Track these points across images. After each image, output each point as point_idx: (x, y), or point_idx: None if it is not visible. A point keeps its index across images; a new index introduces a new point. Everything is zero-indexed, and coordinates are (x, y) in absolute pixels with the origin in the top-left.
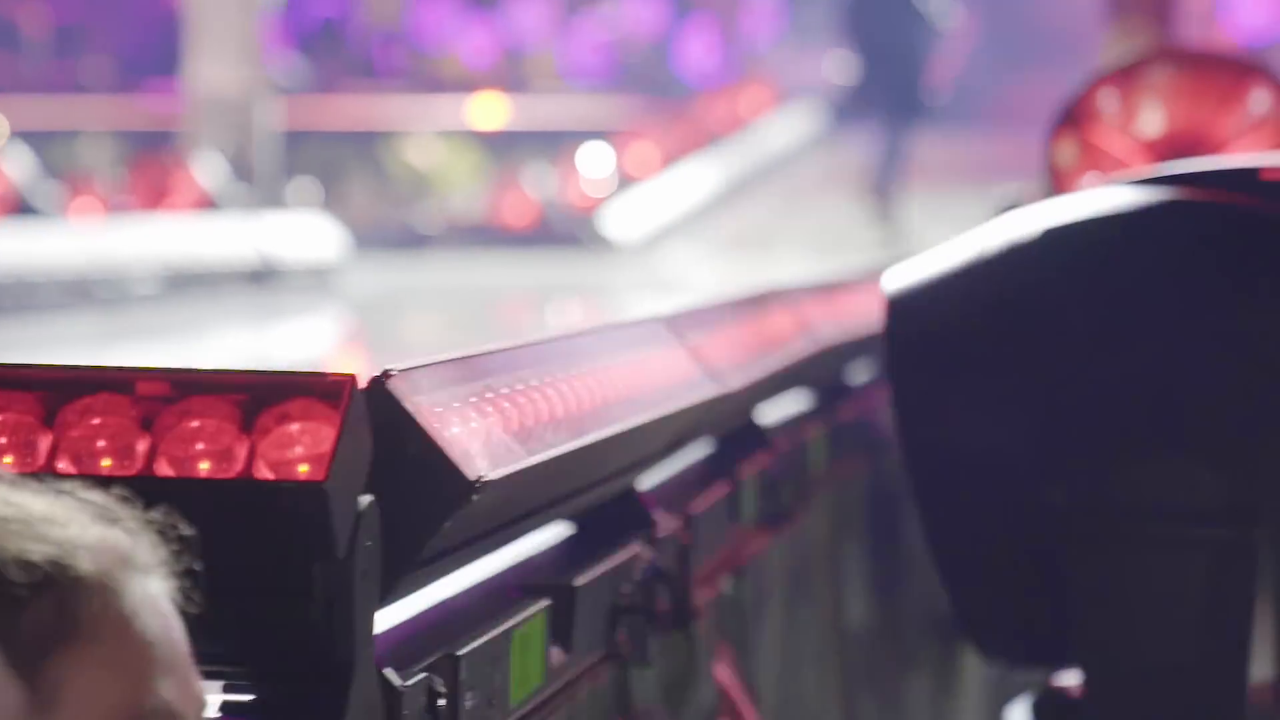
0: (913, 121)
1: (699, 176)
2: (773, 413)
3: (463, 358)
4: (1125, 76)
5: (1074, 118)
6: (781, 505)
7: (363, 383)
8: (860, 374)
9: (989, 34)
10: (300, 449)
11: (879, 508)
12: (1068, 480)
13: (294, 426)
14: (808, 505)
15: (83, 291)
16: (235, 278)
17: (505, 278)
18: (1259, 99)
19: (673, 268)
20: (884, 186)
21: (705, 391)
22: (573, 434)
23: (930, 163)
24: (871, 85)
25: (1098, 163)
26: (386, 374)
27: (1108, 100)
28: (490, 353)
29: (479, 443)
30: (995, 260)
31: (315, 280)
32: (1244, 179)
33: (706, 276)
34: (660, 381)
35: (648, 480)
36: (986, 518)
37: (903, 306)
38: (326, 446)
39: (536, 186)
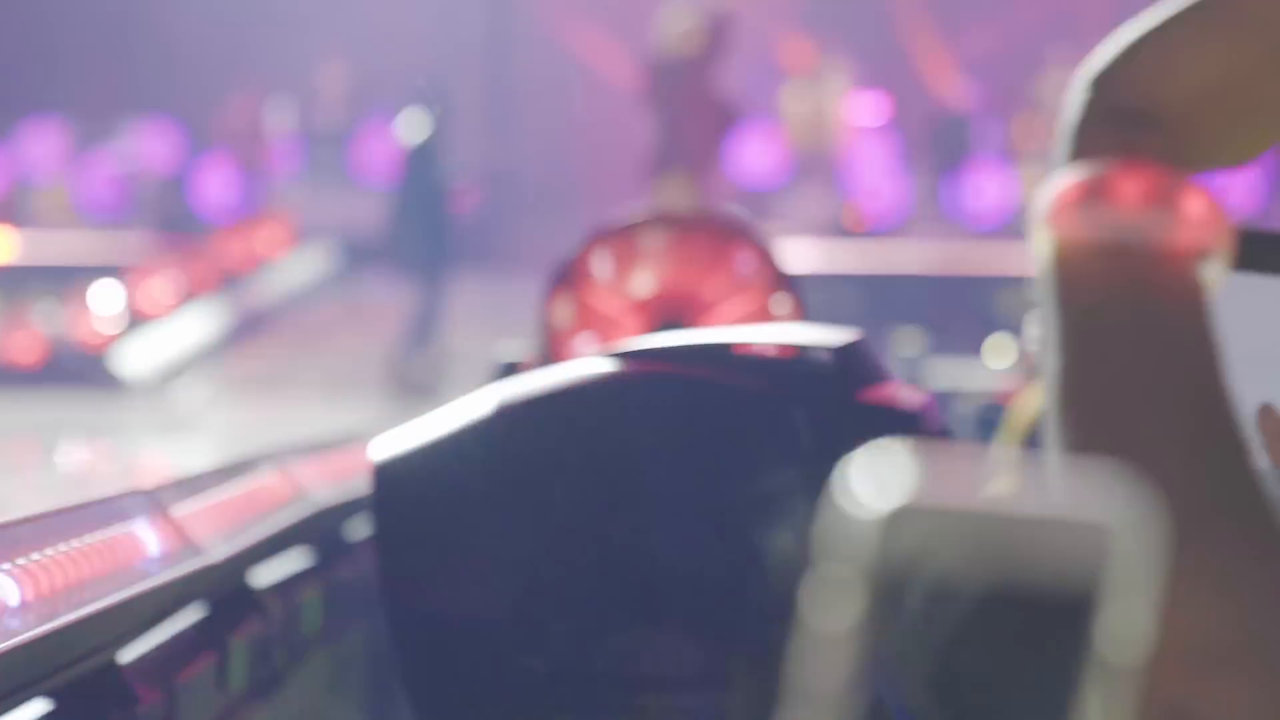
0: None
1: (212, 314)
2: (266, 575)
3: None
4: (619, 237)
5: (569, 277)
6: (274, 669)
7: None
8: (358, 532)
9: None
10: None
11: (379, 665)
12: (548, 648)
13: None
14: (302, 668)
15: None
16: None
17: (12, 416)
18: (744, 261)
19: (185, 407)
20: (417, 350)
21: (191, 562)
22: (46, 613)
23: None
24: (404, 233)
25: (592, 323)
26: None
27: (602, 260)
28: None
29: None
30: (483, 428)
31: None
32: (717, 353)
33: (217, 417)
34: (142, 554)
35: (130, 653)
36: (471, 686)
37: (390, 472)
38: None
39: (46, 322)
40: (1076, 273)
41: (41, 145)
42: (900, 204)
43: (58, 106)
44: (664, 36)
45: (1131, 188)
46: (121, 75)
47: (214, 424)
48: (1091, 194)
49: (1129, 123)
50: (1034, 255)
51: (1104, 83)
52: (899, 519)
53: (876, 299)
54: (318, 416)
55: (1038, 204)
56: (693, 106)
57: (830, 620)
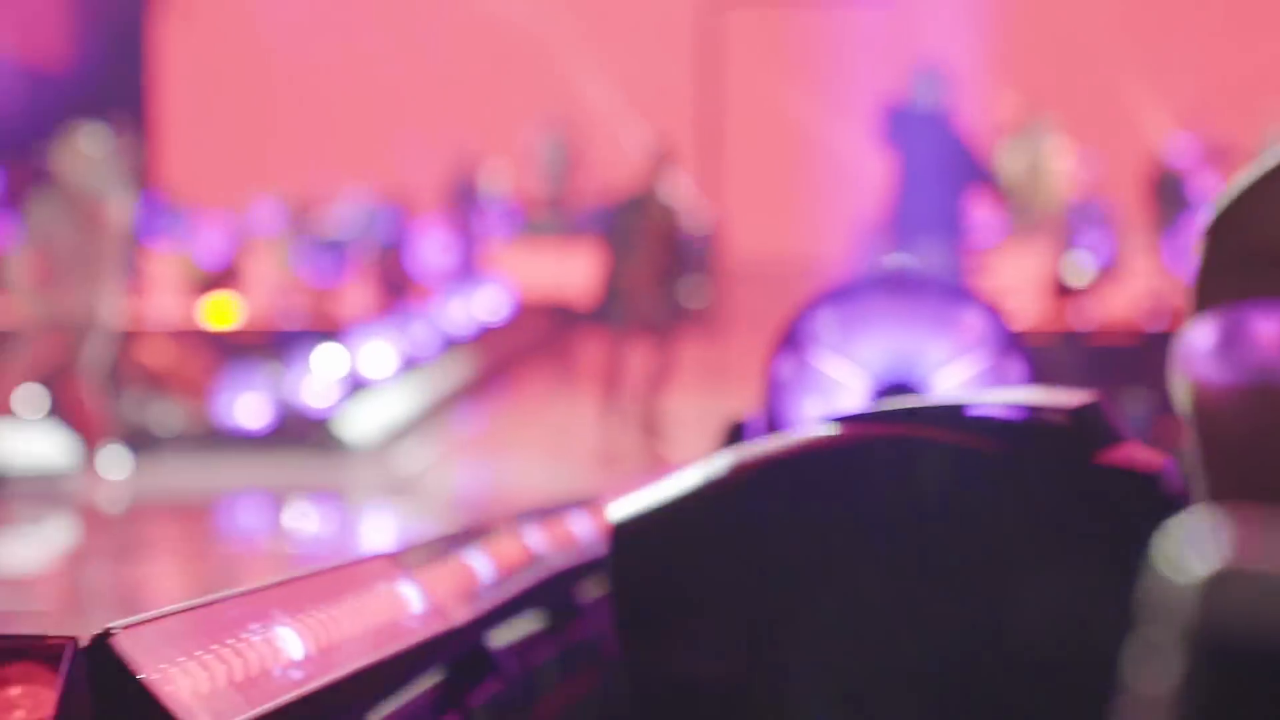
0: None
1: (432, 377)
2: (503, 638)
3: (188, 609)
4: (844, 298)
5: (794, 338)
6: None
7: (84, 641)
8: (589, 594)
9: None
10: (20, 714)
11: None
12: (785, 714)
13: (13, 691)
14: None
15: None
16: None
17: (239, 478)
18: (972, 321)
19: (406, 471)
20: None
21: (433, 625)
22: (298, 680)
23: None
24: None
25: (817, 385)
26: (109, 632)
27: (827, 321)
28: (216, 601)
29: (203, 699)
30: (718, 491)
31: (45, 487)
32: (950, 414)
33: (439, 480)
34: (388, 616)
35: (375, 717)
36: None
37: (628, 533)
38: (47, 712)
39: (271, 386)
40: (1220, 416)
41: (262, 217)
42: (1120, 260)
43: (276, 182)
44: (916, 88)
45: (1265, 330)
46: (330, 151)
47: (436, 487)
48: (1227, 340)
49: (1254, 267)
50: (1177, 400)
51: (1224, 230)
52: (1220, 582)
53: (1099, 357)
54: (536, 480)
55: (1176, 354)
56: (940, 160)
57: (1152, 683)
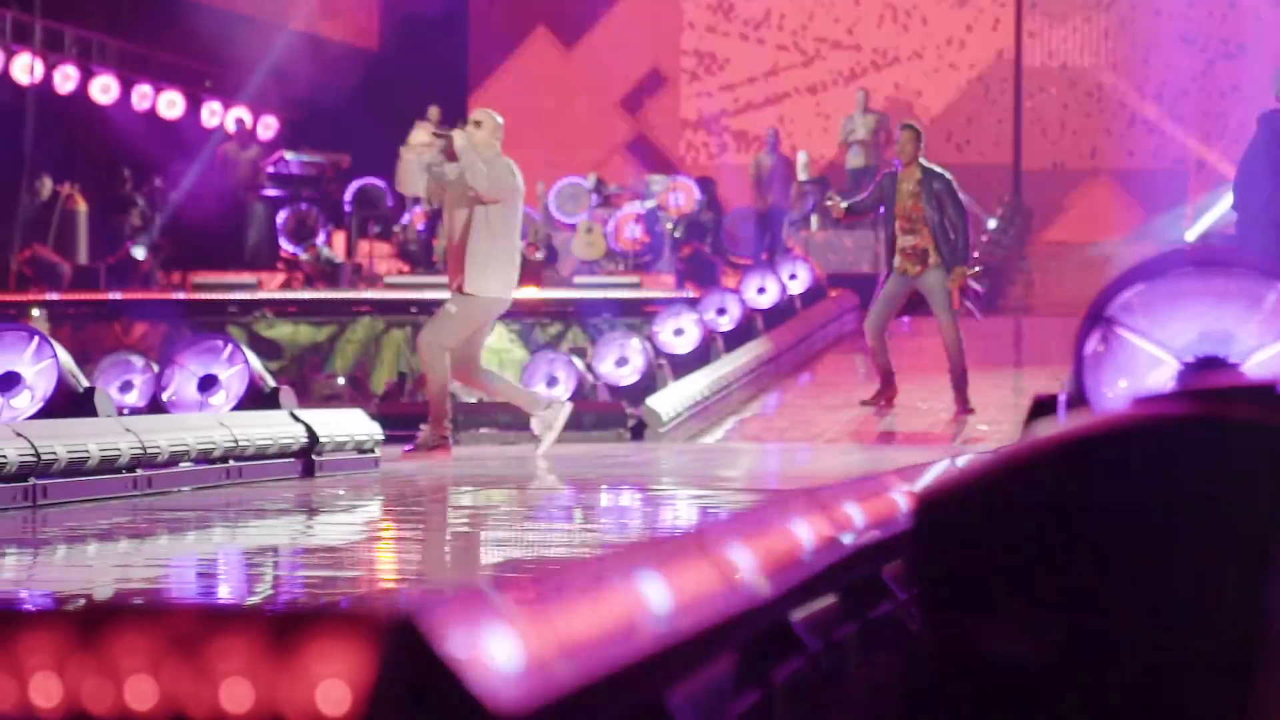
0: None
1: (738, 356)
2: (805, 612)
3: (491, 585)
4: (1153, 277)
5: (1103, 316)
6: (816, 707)
7: (393, 618)
8: (893, 570)
9: None
10: (331, 688)
11: (915, 705)
12: (1089, 696)
13: (324, 665)
14: (843, 707)
15: None
16: None
17: (543, 455)
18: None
19: (708, 445)
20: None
21: (736, 600)
22: (604, 656)
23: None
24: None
25: (1126, 363)
26: (414, 609)
27: (1136, 301)
28: (522, 577)
29: (509, 674)
30: (1025, 469)
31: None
32: (1263, 395)
33: (740, 457)
34: (692, 593)
35: (679, 693)
36: None
37: (934, 510)
38: (359, 687)
39: (573, 363)
40: None
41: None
42: None
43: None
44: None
45: None
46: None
47: (735, 464)
48: None
49: None
50: None
51: None
52: None
53: None
54: (835, 459)
55: None
56: None
57: None
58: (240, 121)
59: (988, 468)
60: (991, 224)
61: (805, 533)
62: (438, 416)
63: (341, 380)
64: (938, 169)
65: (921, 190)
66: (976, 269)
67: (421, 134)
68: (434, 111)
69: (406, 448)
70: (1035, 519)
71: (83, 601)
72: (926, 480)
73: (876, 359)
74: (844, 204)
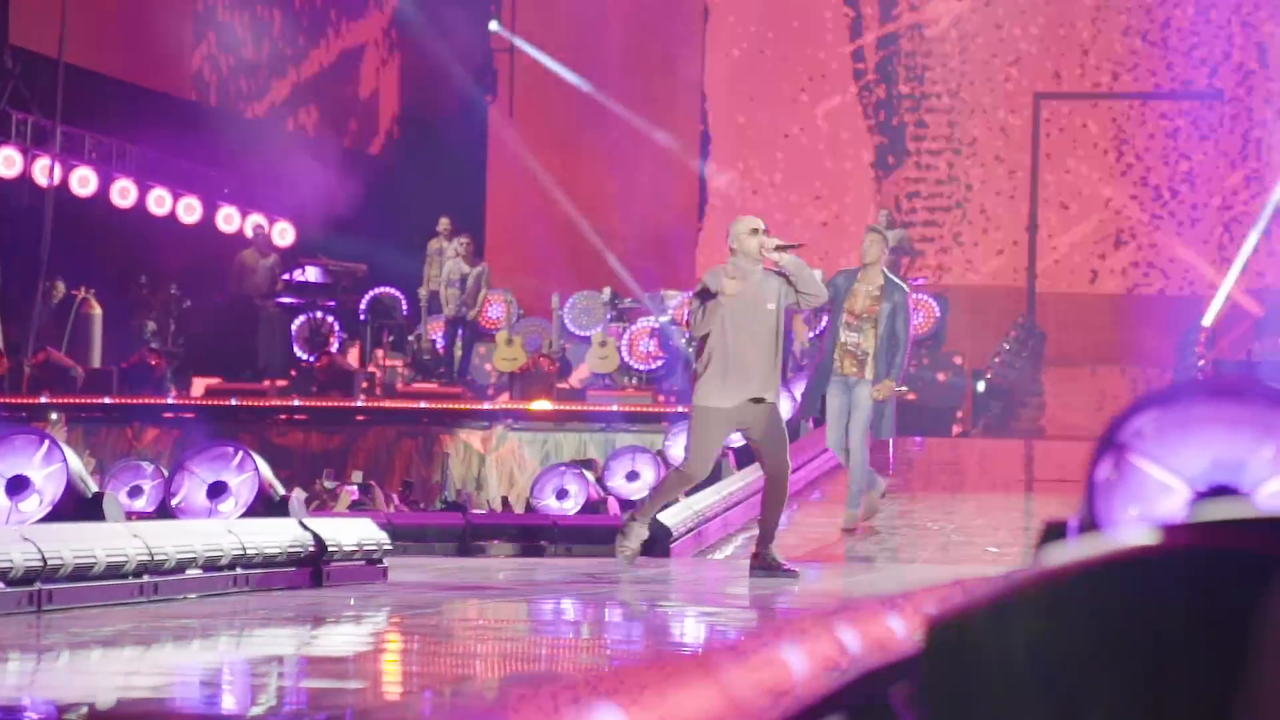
0: None
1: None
2: None
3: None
4: (1168, 402)
5: (1116, 441)
6: None
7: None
8: (899, 694)
9: None
10: None
11: None
12: None
13: None
14: None
15: None
16: None
17: (549, 569)
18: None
19: (700, 566)
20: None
21: None
22: None
23: None
24: None
25: (1138, 489)
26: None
27: (1149, 425)
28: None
29: None
30: (1036, 596)
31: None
32: (1276, 528)
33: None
34: (692, 718)
35: None
36: None
37: (944, 634)
38: None
39: (583, 475)
40: None
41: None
42: None
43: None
44: None
45: None
46: (663, 256)
47: (747, 584)
48: None
49: None
50: None
51: None
52: None
53: None
54: (837, 581)
55: None
56: None
57: None
58: (259, 228)
59: (999, 593)
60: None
61: (811, 654)
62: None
63: (353, 489)
64: (899, 280)
65: (882, 296)
66: (905, 389)
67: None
68: (444, 223)
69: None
70: (1045, 646)
71: (85, 710)
72: (936, 602)
73: (853, 474)
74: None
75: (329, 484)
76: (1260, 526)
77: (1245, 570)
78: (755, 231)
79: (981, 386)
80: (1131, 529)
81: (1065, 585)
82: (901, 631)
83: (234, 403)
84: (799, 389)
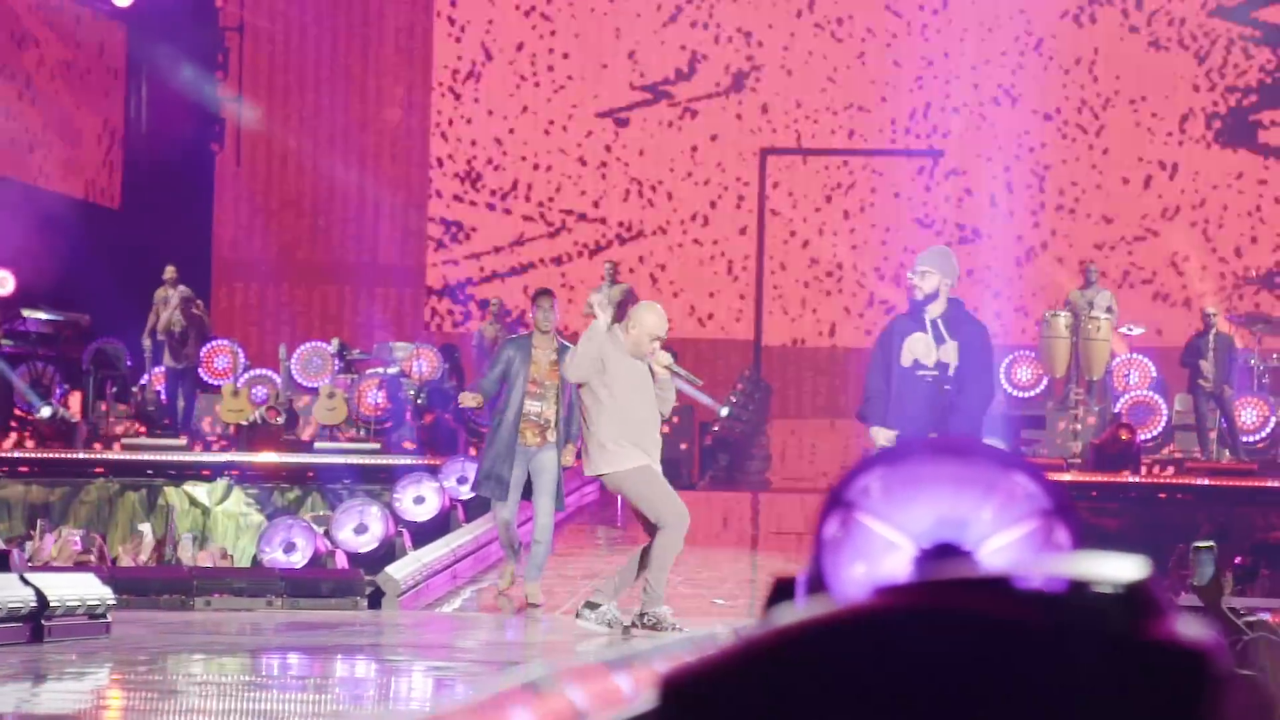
0: None
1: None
2: None
3: None
4: (893, 461)
5: (843, 499)
6: None
7: None
8: None
9: None
10: None
11: None
12: None
13: None
14: None
15: None
16: None
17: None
18: (1020, 489)
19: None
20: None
21: None
22: None
23: None
24: None
25: (865, 547)
26: None
27: (876, 484)
28: None
29: None
30: (765, 656)
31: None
32: (997, 586)
33: (472, 634)
34: None
35: None
36: None
37: (676, 694)
38: None
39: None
40: None
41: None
42: (1165, 425)
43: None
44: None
45: None
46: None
47: (476, 638)
48: None
49: None
50: None
51: None
52: None
53: (1151, 518)
54: (566, 634)
55: None
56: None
57: None
58: None
59: (732, 654)
60: (724, 411)
61: (548, 713)
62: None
63: (76, 543)
64: (567, 341)
65: (559, 360)
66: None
67: (663, 357)
68: (170, 271)
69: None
70: (779, 707)
71: None
72: (675, 661)
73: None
74: (473, 398)
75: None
76: (981, 586)
77: (968, 629)
78: (656, 338)
79: (709, 439)
80: (858, 588)
81: (797, 645)
82: (630, 689)
83: None
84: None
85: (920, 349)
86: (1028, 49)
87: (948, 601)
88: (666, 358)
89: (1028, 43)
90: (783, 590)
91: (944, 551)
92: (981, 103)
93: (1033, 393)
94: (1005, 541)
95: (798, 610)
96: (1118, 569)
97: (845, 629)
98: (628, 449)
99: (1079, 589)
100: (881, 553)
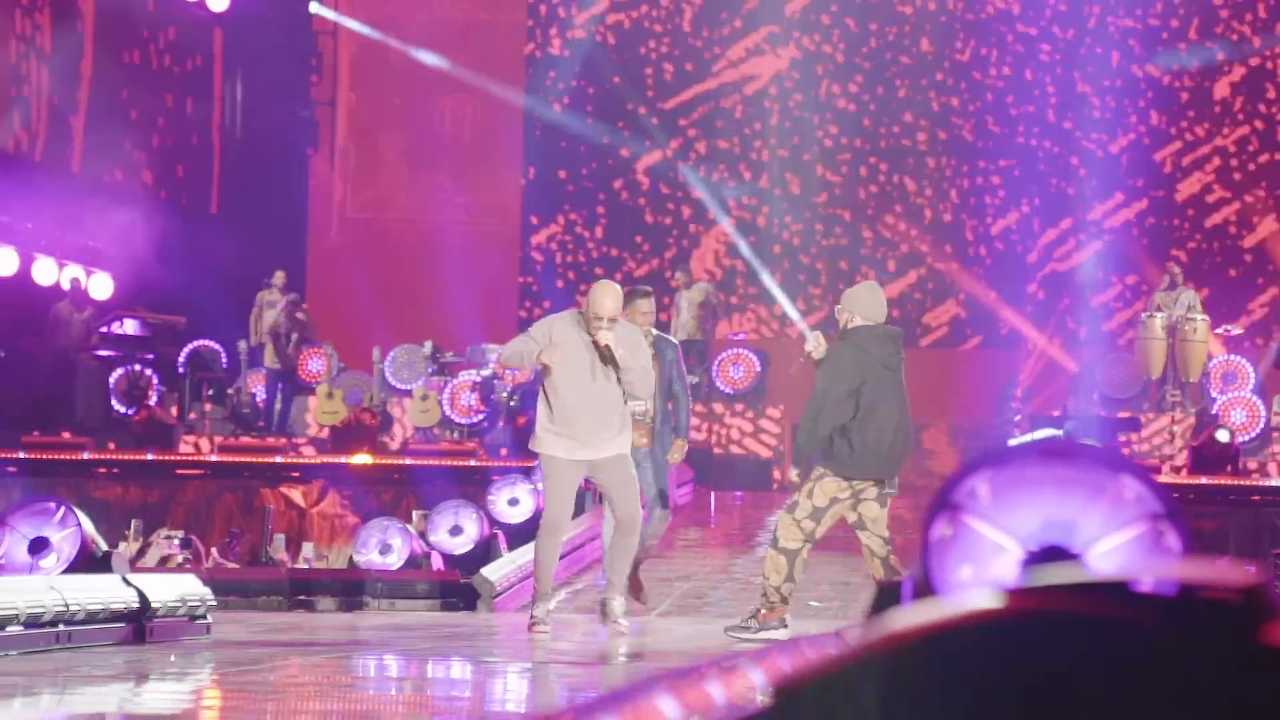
0: None
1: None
2: None
3: None
4: (1001, 464)
5: (950, 502)
6: None
7: None
8: None
9: None
10: None
11: None
12: None
13: None
14: None
15: None
16: None
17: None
18: (1129, 492)
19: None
20: None
21: None
22: None
23: None
24: None
25: (973, 551)
26: None
27: (984, 487)
28: None
29: None
30: (872, 659)
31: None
32: (1113, 590)
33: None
34: None
35: None
36: None
37: (788, 695)
38: None
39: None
40: None
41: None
42: (1263, 426)
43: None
44: None
45: None
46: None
47: (572, 639)
48: None
49: None
50: None
51: None
52: None
53: (1250, 520)
54: (660, 636)
55: None
56: None
57: None
58: (75, 281)
59: (845, 657)
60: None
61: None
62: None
63: (174, 544)
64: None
65: (658, 357)
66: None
67: (603, 337)
68: (280, 276)
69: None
70: (889, 713)
71: None
72: (777, 665)
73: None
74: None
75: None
76: (1095, 590)
77: (1085, 633)
78: (599, 317)
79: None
80: (970, 593)
81: (912, 650)
82: (732, 691)
83: (51, 456)
84: None
85: None
86: None
87: (1063, 605)
88: (605, 338)
89: None
90: (889, 595)
91: (1052, 554)
92: None
93: (1128, 394)
94: (1114, 544)
95: (907, 614)
96: (1233, 574)
97: (960, 633)
98: (551, 436)
99: (1193, 593)
100: (988, 555)
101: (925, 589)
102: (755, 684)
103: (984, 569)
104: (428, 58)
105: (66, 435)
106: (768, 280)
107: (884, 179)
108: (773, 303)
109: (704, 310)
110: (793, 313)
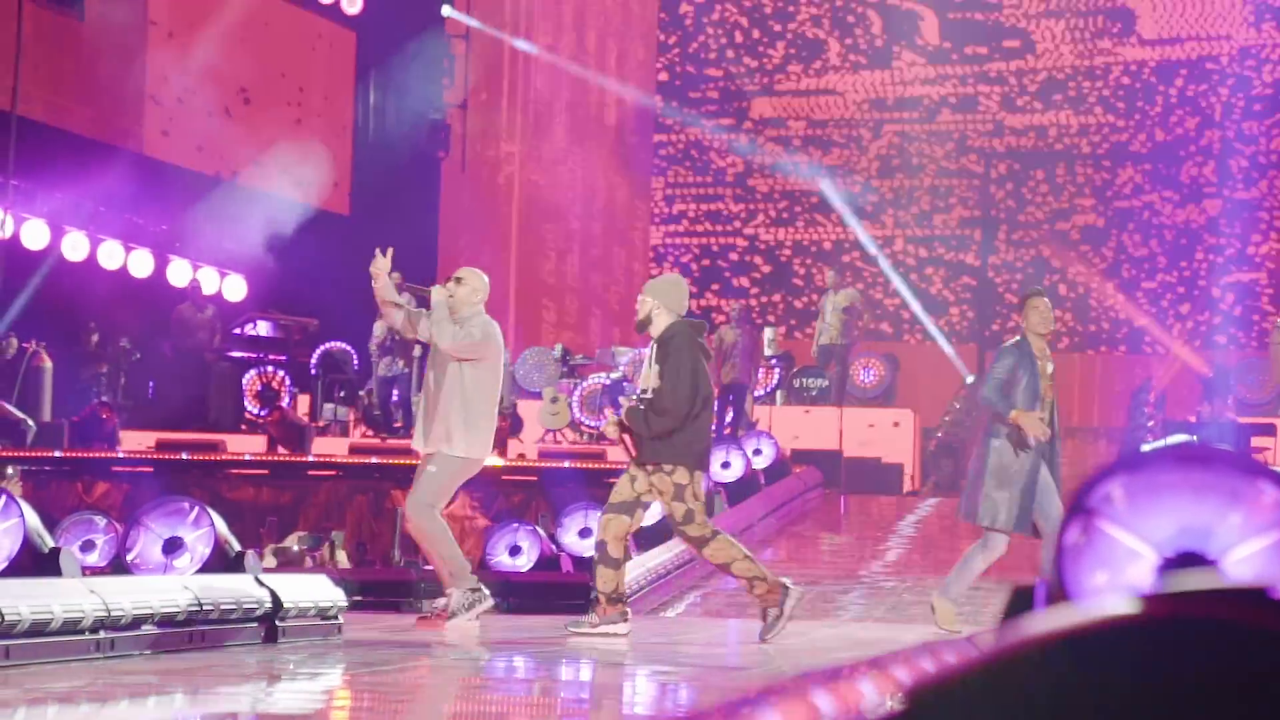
0: None
1: None
2: None
3: None
4: (1136, 468)
5: (1084, 507)
6: None
7: None
8: None
9: None
10: None
11: None
12: None
13: None
14: None
15: None
16: None
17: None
18: (1267, 498)
19: (672, 623)
20: None
21: None
22: None
23: None
24: None
25: (1107, 556)
26: None
27: (1118, 492)
28: None
29: None
30: (1013, 664)
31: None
32: (1253, 597)
33: (702, 635)
34: None
35: None
36: None
37: (920, 703)
38: None
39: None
40: None
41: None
42: None
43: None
44: None
45: None
46: (612, 312)
47: (703, 643)
48: None
49: None
50: None
51: None
52: None
53: None
54: (790, 641)
55: None
56: None
57: None
58: (195, 282)
59: (978, 661)
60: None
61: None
62: (455, 574)
63: (305, 545)
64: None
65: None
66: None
67: (437, 293)
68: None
69: (424, 615)
70: (1021, 716)
71: None
72: (912, 668)
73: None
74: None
75: (296, 544)
76: (1235, 597)
77: (1224, 640)
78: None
79: (932, 445)
80: (1106, 598)
81: (1048, 655)
82: (872, 696)
83: (185, 456)
84: None
85: None
86: None
87: (1200, 611)
88: (436, 291)
89: None
90: (1023, 599)
91: (1187, 560)
92: None
93: (1264, 400)
94: (1251, 551)
95: (1045, 620)
96: None
97: (1095, 639)
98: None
99: None
100: (1123, 560)
101: (1059, 594)
102: (891, 687)
103: (1118, 575)
104: (558, 60)
105: (200, 436)
106: (899, 285)
107: (1025, 186)
108: (905, 308)
109: (848, 315)
110: (925, 319)
